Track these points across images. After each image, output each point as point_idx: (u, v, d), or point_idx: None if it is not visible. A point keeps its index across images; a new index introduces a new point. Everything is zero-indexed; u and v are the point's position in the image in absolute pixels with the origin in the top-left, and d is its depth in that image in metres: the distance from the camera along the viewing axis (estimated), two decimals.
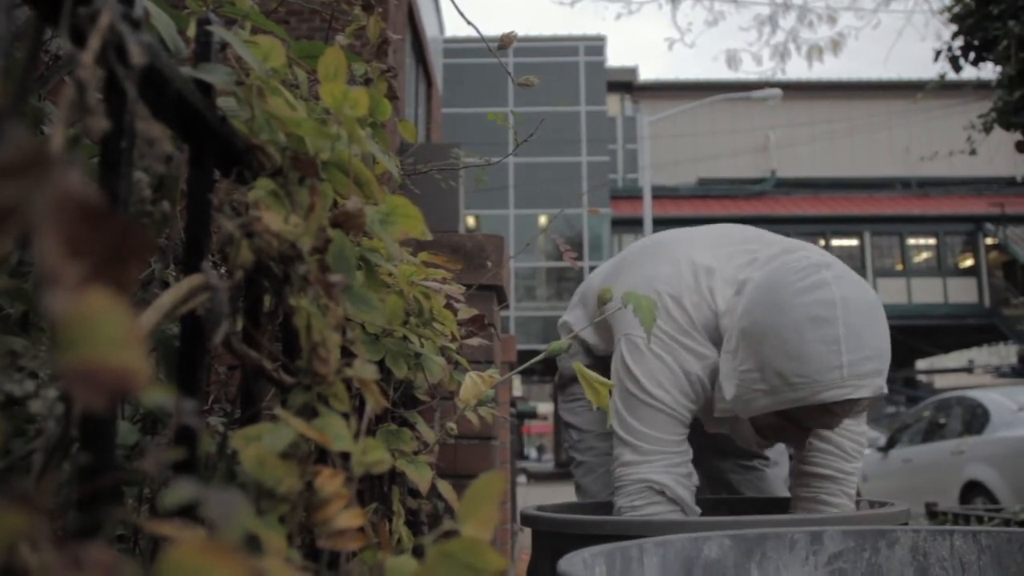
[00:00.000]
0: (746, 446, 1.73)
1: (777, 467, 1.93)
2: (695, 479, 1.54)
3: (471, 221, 19.79)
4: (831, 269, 1.34)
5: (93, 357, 0.25)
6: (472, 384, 0.97)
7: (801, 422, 1.43)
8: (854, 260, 21.98)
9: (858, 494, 1.64)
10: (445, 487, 0.91)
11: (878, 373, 1.32)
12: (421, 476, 0.86)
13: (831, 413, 1.37)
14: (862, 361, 1.29)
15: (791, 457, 1.84)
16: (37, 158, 0.25)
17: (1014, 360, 22.60)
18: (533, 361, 1.09)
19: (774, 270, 1.40)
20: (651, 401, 1.50)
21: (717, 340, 1.52)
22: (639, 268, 1.64)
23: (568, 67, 21.99)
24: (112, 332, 0.26)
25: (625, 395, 1.53)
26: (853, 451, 1.56)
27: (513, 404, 4.38)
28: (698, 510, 1.51)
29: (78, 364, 0.25)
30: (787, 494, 1.80)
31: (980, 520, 4.22)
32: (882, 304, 1.39)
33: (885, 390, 1.38)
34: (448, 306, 1.04)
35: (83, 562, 0.27)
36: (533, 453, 30.89)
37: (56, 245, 0.25)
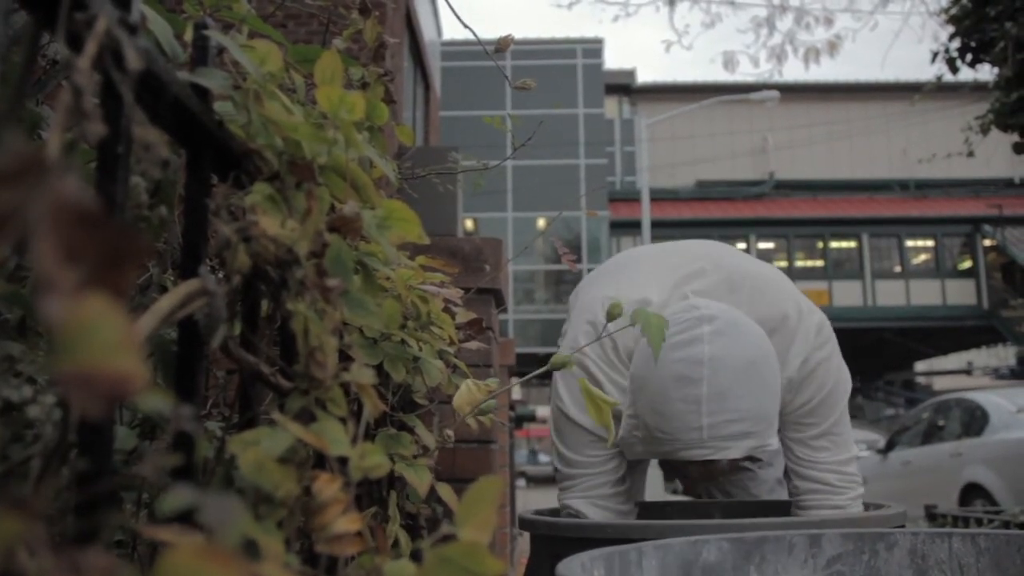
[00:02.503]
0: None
1: (770, 468, 1.92)
2: (629, 492, 1.52)
3: (469, 224, 19.76)
4: (712, 324, 1.30)
5: (90, 362, 0.25)
6: (467, 391, 0.97)
7: (683, 473, 1.42)
8: (852, 262, 22.02)
9: None
10: (445, 490, 0.91)
11: (746, 435, 1.29)
12: (420, 480, 0.86)
13: (700, 471, 1.36)
14: (725, 424, 1.27)
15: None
16: (34, 163, 0.25)
17: (1013, 362, 22.62)
18: (533, 375, 1.08)
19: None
20: (572, 423, 1.49)
21: None
22: (590, 288, 1.61)
23: (566, 70, 21.99)
24: (109, 337, 0.26)
25: (555, 417, 1.53)
26: (841, 482, 1.52)
27: (512, 408, 4.38)
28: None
29: (75, 369, 0.25)
30: (780, 495, 1.80)
31: (979, 522, 4.22)
32: (770, 362, 1.34)
33: (772, 446, 1.34)
34: (446, 310, 1.04)
35: (81, 567, 0.27)
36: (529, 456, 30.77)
37: (53, 250, 0.25)
